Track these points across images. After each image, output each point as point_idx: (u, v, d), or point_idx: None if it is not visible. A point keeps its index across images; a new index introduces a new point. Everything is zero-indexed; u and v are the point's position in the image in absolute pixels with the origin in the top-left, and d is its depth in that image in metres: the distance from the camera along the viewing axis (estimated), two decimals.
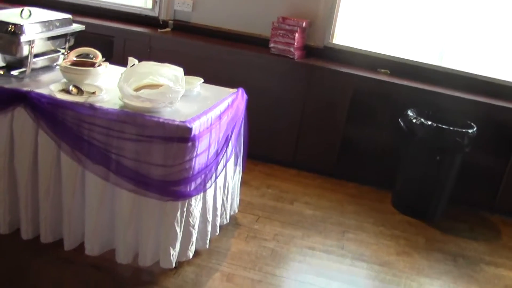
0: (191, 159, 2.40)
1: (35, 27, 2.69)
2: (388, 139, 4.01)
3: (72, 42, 3.04)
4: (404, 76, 4.06)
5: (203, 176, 2.54)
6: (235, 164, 3.10)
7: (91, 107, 2.40)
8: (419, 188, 3.73)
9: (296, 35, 4.04)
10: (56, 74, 2.85)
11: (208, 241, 2.82)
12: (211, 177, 2.63)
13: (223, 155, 2.74)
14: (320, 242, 3.21)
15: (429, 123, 3.51)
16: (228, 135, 2.78)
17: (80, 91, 2.58)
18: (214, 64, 4.09)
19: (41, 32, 2.73)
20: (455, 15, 4.08)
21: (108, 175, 2.42)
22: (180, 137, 2.34)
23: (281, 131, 4.19)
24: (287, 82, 4.08)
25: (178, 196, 2.43)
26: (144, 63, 2.65)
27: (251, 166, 4.02)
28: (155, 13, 4.60)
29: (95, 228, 2.55)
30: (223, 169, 2.81)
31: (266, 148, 4.20)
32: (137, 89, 2.54)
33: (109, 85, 2.69)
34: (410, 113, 3.70)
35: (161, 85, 2.53)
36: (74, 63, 2.77)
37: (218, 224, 2.96)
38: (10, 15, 2.67)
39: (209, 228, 2.80)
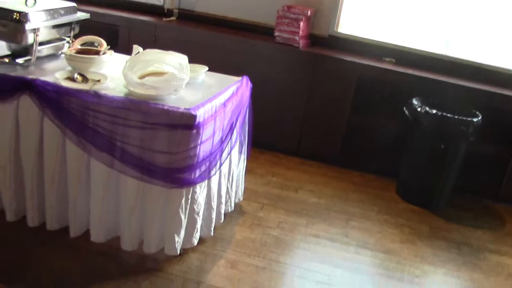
0: (195, 147, 2.41)
1: (40, 15, 2.70)
2: (393, 127, 4.01)
3: (77, 30, 3.05)
4: (409, 65, 4.05)
5: (207, 164, 2.55)
6: (240, 152, 3.10)
7: (96, 94, 2.40)
8: (424, 176, 3.73)
9: (301, 23, 4.03)
10: (61, 62, 2.86)
11: (212, 228, 2.84)
12: (215, 165, 2.64)
13: (228, 143, 2.75)
14: (325, 230, 3.22)
15: (434, 111, 3.50)
16: (232, 123, 2.78)
17: (85, 79, 2.59)
18: (219, 53, 4.08)
19: (46, 20, 2.74)
20: (460, 3, 4.05)
21: (113, 162, 2.43)
22: (184, 124, 2.35)
23: (285, 120, 4.19)
24: (292, 71, 4.07)
25: (183, 183, 2.44)
26: (148, 50, 2.66)
27: (256, 155, 4.02)
28: (160, 2, 4.59)
29: (100, 215, 2.57)
30: (227, 156, 2.82)
31: (271, 136, 4.20)
32: (141, 77, 2.54)
33: (114, 73, 2.70)
34: (415, 101, 3.70)
35: (165, 73, 2.54)
36: (79, 51, 2.78)
37: (222, 212, 2.97)
38: (15, 3, 2.68)
39: (214, 216, 2.82)
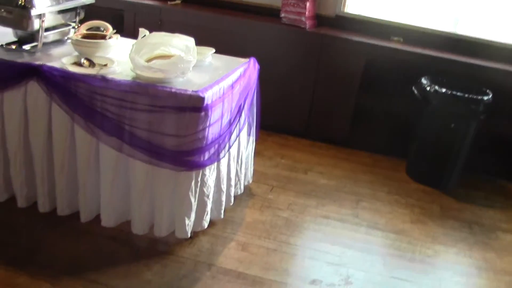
0: (204, 129, 2.40)
1: (45, 0, 2.68)
2: (402, 107, 3.97)
3: (82, 15, 3.03)
4: (418, 44, 4.00)
5: (216, 146, 2.54)
6: (248, 134, 3.09)
7: (103, 79, 2.40)
8: (434, 156, 3.71)
9: (307, 4, 3.98)
10: (67, 47, 2.85)
11: (222, 211, 2.84)
12: (224, 147, 2.63)
13: (236, 125, 2.74)
14: (335, 211, 3.22)
15: (443, 90, 3.47)
16: (240, 105, 2.77)
17: (92, 64, 2.58)
18: (225, 35, 4.05)
19: (51, 6, 2.72)
20: None
21: (121, 146, 2.43)
22: (192, 106, 2.33)
23: (293, 102, 4.17)
24: (299, 52, 4.04)
25: (192, 166, 2.43)
26: (155, 33, 2.64)
27: (264, 137, 4.02)
28: None
29: (110, 199, 2.57)
30: (236, 139, 2.81)
31: (279, 118, 4.19)
32: (148, 60, 2.53)
33: (121, 57, 2.68)
34: (424, 81, 3.66)
35: (172, 56, 2.53)
36: (85, 36, 2.76)
37: (232, 194, 2.97)
38: None
39: (224, 198, 2.82)
